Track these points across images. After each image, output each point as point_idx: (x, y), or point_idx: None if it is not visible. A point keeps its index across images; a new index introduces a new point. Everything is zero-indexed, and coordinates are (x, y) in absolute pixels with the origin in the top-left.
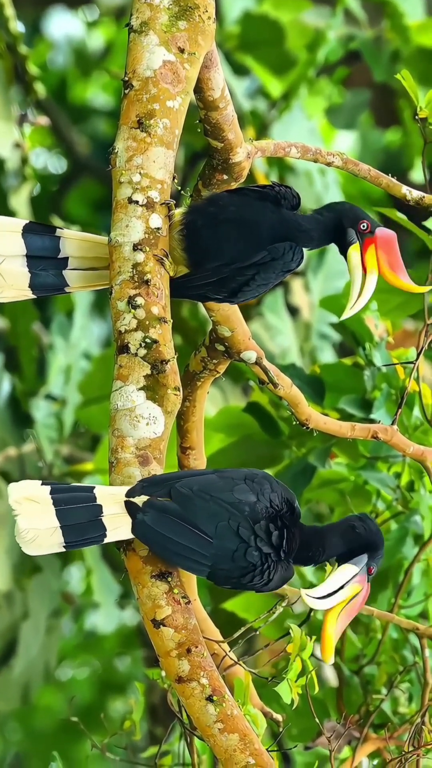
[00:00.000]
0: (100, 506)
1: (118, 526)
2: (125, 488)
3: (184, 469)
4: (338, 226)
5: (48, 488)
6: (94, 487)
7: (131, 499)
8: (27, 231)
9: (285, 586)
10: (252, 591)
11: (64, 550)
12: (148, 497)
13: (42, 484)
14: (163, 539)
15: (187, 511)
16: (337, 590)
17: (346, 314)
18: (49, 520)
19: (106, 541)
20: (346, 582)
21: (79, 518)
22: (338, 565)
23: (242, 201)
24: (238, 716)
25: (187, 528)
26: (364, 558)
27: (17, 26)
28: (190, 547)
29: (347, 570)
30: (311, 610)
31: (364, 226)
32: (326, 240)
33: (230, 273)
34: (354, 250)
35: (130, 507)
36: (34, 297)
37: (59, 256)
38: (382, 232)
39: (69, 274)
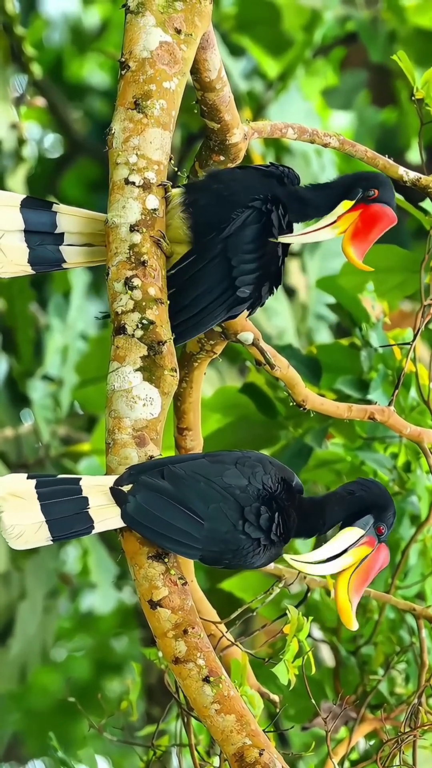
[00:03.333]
0: (86, 498)
1: (105, 518)
2: (113, 477)
3: (181, 450)
4: (349, 189)
5: (33, 482)
6: (80, 479)
7: (118, 487)
8: (24, 206)
9: (282, 567)
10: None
11: (51, 543)
12: (134, 485)
13: (28, 477)
14: (155, 520)
15: (179, 491)
16: (337, 555)
17: (281, 239)
18: (35, 515)
19: (94, 532)
20: (350, 546)
21: (64, 511)
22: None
23: (246, 176)
24: (234, 697)
25: (179, 509)
26: (370, 519)
27: (14, 6)
28: (181, 529)
29: (349, 534)
30: (308, 590)
31: (371, 193)
32: (335, 203)
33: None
34: (343, 205)
35: (117, 495)
36: (33, 273)
37: (56, 232)
38: (379, 207)
39: (65, 250)
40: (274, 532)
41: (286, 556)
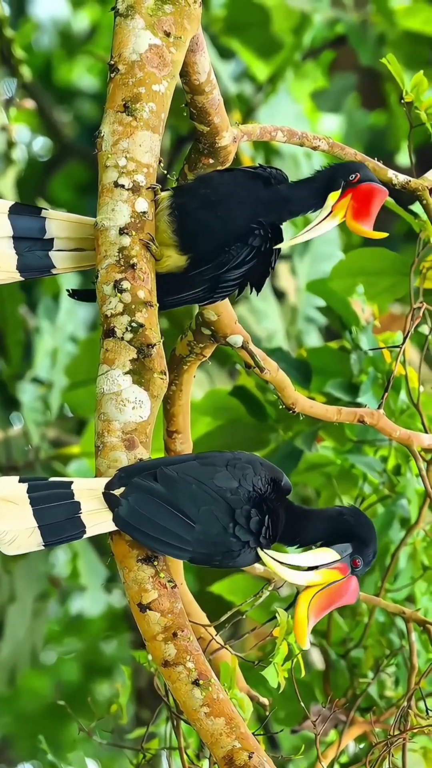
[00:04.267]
0: (78, 503)
1: (97, 522)
2: (104, 480)
3: (170, 453)
4: (331, 181)
5: (25, 486)
6: (72, 482)
7: (110, 491)
8: (13, 212)
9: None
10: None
11: (43, 548)
12: (126, 487)
13: (20, 481)
14: (146, 523)
15: (171, 494)
16: (306, 568)
17: (287, 243)
18: (27, 521)
19: (85, 536)
20: (321, 564)
21: (56, 517)
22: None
23: (233, 179)
24: (224, 700)
25: (170, 511)
26: (348, 548)
27: (3, 8)
28: (172, 532)
29: (325, 553)
30: (298, 593)
31: (352, 177)
32: (322, 199)
33: (224, 259)
34: (332, 197)
35: (110, 499)
36: (22, 279)
37: (45, 237)
38: (366, 184)
39: (55, 255)
40: (263, 535)
41: (261, 552)
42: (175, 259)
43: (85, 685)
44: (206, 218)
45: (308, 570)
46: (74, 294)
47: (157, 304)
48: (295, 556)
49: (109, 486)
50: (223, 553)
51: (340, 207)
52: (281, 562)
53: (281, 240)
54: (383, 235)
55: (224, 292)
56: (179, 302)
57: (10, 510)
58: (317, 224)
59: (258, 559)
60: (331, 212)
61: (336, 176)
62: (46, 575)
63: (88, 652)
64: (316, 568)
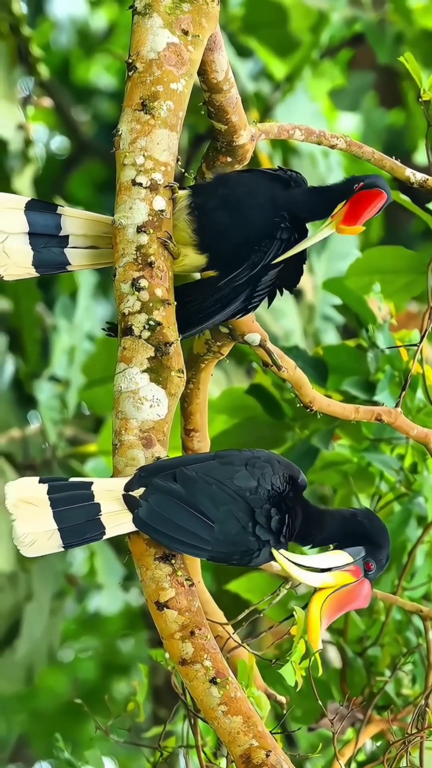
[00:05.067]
0: (98, 505)
1: (117, 524)
2: (124, 481)
3: (188, 452)
4: (343, 192)
5: (45, 487)
6: (92, 483)
7: (130, 493)
8: (29, 208)
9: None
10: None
11: (62, 550)
12: (146, 487)
13: (40, 482)
14: (166, 523)
15: (190, 494)
16: (320, 570)
17: (286, 254)
18: (47, 523)
19: (105, 538)
20: (334, 567)
21: (77, 519)
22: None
23: (252, 180)
24: (241, 698)
25: (189, 512)
26: (361, 551)
27: (21, 7)
28: (192, 532)
29: (338, 556)
30: (315, 590)
31: (356, 186)
32: (330, 208)
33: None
34: (339, 207)
35: (129, 501)
36: (38, 275)
37: (60, 234)
38: (365, 191)
39: (70, 252)
40: (284, 534)
41: (274, 551)
42: (192, 258)
43: (103, 684)
44: (224, 218)
45: (321, 572)
46: (110, 330)
47: (175, 303)
48: (308, 557)
49: (128, 486)
50: (242, 552)
51: (339, 215)
52: (295, 563)
53: (305, 234)
54: (360, 229)
55: (260, 295)
56: (218, 321)
57: (30, 512)
58: (315, 234)
59: (273, 558)
60: (330, 221)
61: (349, 185)
62: (63, 573)
63: (105, 650)
64: (329, 570)
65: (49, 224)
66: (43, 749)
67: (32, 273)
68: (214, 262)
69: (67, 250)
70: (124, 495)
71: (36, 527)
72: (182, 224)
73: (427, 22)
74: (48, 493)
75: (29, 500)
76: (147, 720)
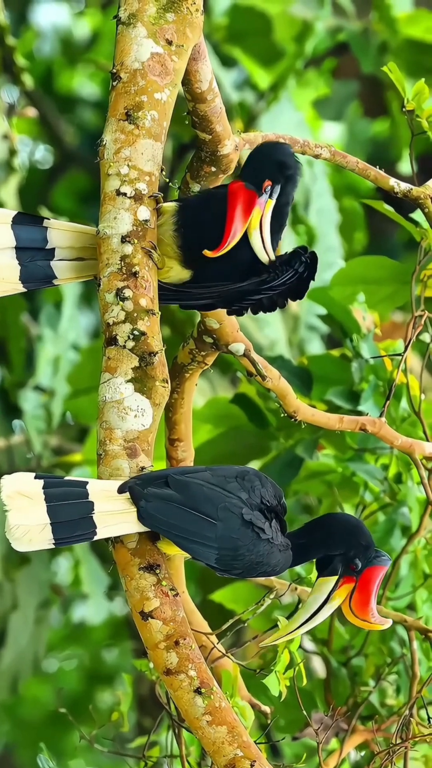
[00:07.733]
0: (92, 503)
1: (108, 524)
2: (118, 482)
3: (172, 461)
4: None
5: (41, 482)
6: (87, 482)
7: (134, 485)
8: (16, 222)
9: (273, 578)
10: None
11: (53, 546)
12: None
13: (35, 477)
14: (170, 525)
15: (187, 497)
16: (318, 609)
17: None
18: (40, 516)
19: (95, 538)
20: (330, 592)
21: (70, 515)
22: (317, 579)
23: None
24: (226, 708)
25: (191, 513)
26: (338, 565)
27: (4, 16)
28: (197, 531)
29: (325, 584)
30: (299, 602)
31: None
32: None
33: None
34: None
35: (134, 492)
36: (24, 290)
37: (47, 247)
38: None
39: (56, 265)
40: (278, 539)
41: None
42: (177, 271)
43: (87, 693)
44: (210, 236)
45: (324, 606)
46: None
47: (159, 312)
48: (303, 610)
49: (122, 489)
50: (247, 546)
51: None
52: (302, 625)
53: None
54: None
55: (248, 303)
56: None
57: (24, 504)
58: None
59: (286, 568)
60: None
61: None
62: (48, 583)
63: (89, 660)
64: (327, 599)
65: (36, 237)
66: (28, 759)
67: (19, 288)
68: (198, 278)
69: (53, 263)
70: (129, 487)
71: (29, 520)
72: (168, 239)
73: (411, 32)
74: (43, 488)
75: (24, 493)
76: (131, 730)
